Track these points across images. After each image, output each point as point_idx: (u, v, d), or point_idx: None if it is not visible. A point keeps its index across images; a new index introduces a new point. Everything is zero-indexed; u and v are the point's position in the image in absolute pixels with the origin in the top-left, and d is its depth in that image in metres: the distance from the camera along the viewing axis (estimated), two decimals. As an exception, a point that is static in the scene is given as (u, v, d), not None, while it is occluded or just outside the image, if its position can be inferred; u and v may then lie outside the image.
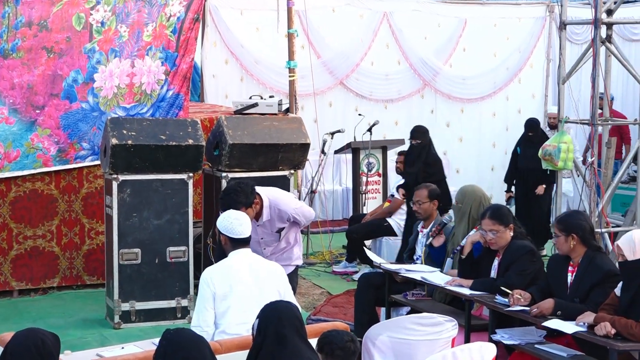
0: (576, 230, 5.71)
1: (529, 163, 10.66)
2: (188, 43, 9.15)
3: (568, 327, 5.39)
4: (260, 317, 4.22)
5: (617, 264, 5.53)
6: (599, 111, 7.64)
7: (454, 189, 13.20)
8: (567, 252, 5.78)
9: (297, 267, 7.31)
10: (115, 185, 7.84)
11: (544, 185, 10.73)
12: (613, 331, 5.15)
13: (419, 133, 9.84)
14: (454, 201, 7.27)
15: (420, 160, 9.64)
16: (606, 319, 5.23)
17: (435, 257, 7.11)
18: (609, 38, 7.37)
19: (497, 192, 11.35)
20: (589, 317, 5.36)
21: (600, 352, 5.36)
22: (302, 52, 11.57)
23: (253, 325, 4.24)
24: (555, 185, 11.09)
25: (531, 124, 10.98)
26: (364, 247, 8.39)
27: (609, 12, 7.37)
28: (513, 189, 11.16)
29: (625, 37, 14.31)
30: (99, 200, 8.86)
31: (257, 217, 6.78)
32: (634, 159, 7.62)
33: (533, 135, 10.85)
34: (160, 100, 9.10)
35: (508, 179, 11.22)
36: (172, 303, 8.06)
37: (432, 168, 9.65)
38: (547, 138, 11.01)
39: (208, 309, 5.33)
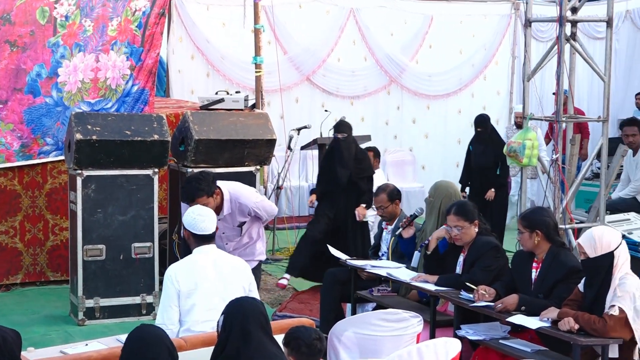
0: (540, 226, 5.76)
1: (479, 160, 10.58)
2: (153, 38, 9.10)
3: (532, 323, 5.43)
4: (225, 313, 4.21)
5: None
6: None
7: (420, 185, 13.42)
8: (532, 249, 5.82)
9: (261, 262, 7.29)
10: (79, 180, 7.78)
11: (493, 190, 10.48)
12: (576, 326, 5.20)
13: (345, 126, 9.28)
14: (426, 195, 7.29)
15: (352, 158, 9.10)
16: (569, 314, 5.27)
17: (403, 248, 7.11)
18: (573, 36, 7.41)
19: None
20: (552, 312, 5.40)
21: (564, 347, 5.41)
22: (268, 48, 11.55)
23: (218, 322, 4.23)
24: (509, 189, 10.97)
25: (479, 120, 10.77)
26: (328, 245, 8.36)
27: (574, 10, 7.41)
28: (467, 190, 10.92)
29: (589, 35, 14.41)
30: (63, 196, 8.79)
31: (217, 210, 6.75)
32: (598, 156, 7.66)
33: (482, 131, 10.69)
34: (125, 96, 9.05)
35: (463, 180, 10.96)
36: (136, 299, 8.02)
37: (363, 163, 9.19)
38: (497, 134, 10.95)
39: (172, 306, 5.30)
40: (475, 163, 10.67)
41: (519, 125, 11.71)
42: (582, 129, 12.77)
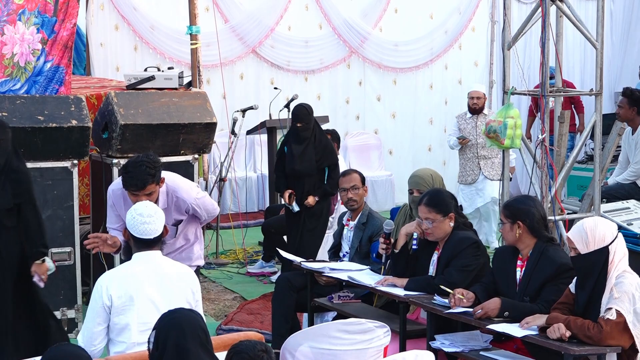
0: (523, 217, 5.79)
1: (296, 164, 9.22)
2: (69, 6, 9.02)
3: (517, 331, 5.47)
4: (157, 327, 4.20)
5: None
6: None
7: (387, 173, 13.47)
8: (513, 243, 5.86)
9: (199, 267, 7.28)
10: (-16, 176, 7.73)
11: (317, 198, 9.19)
12: (568, 333, 5.24)
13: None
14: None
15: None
16: (560, 319, 5.32)
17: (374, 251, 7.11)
18: (560, -4, 7.48)
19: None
20: (540, 318, 5.44)
21: (554, 358, 5.45)
22: (206, 16, 11.53)
23: (149, 338, 4.21)
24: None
25: (298, 112, 9.32)
26: (278, 249, 8.35)
27: (560, -34, 7.47)
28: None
29: (580, -6, 14.56)
30: (-34, 194, 8.71)
31: None
32: (591, 135, 7.73)
33: (302, 127, 9.24)
34: (36, 74, 8.98)
35: (281, 188, 9.44)
36: (55, 315, 7.96)
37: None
38: (321, 131, 9.50)
39: (99, 323, 5.27)
40: (292, 169, 9.27)
41: (474, 110, 11.11)
42: (575, 103, 12.88)
